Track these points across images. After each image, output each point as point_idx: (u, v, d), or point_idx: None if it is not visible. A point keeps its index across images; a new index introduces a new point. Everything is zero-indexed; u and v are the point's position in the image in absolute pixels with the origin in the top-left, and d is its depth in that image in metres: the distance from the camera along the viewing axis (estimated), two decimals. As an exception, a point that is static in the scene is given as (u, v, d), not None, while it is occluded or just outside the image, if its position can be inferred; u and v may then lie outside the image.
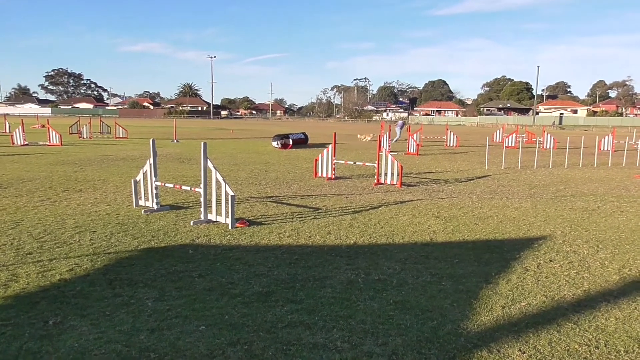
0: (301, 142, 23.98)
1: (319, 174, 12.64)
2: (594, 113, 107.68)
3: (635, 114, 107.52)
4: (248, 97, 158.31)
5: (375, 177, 11.85)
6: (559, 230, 7.44)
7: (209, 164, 7.24)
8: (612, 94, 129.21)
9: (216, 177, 7.18)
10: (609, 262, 5.83)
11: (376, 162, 11.78)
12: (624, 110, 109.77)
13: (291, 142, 22.54)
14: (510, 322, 4.08)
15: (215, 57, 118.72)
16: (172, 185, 8.60)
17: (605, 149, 23.14)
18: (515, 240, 6.84)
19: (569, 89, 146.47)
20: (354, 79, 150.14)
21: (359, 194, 10.36)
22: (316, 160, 12.80)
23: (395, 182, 11.53)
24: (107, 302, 4.30)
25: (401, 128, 27.42)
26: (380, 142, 11.77)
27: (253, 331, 3.78)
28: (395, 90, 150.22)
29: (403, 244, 6.49)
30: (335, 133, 12.83)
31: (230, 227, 6.97)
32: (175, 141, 25.80)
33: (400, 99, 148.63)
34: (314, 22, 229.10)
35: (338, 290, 4.70)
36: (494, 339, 3.75)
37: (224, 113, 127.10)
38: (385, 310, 4.25)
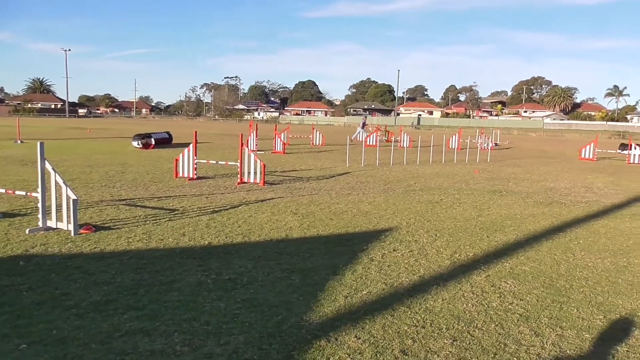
0: (165, 141, 23.01)
1: (180, 175, 12.23)
2: (447, 115, 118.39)
3: (480, 116, 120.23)
4: (110, 95, 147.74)
5: (239, 176, 11.78)
6: (405, 221, 8.02)
7: (47, 166, 6.61)
8: (462, 97, 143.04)
9: (56, 180, 6.59)
10: (444, 249, 6.42)
11: (239, 161, 11.72)
12: (471, 112, 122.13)
13: (153, 142, 21.52)
14: (351, 310, 4.30)
15: (70, 50, 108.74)
16: (3, 190, 7.71)
17: (453, 147, 25.51)
18: (365, 232, 7.23)
19: (426, 92, 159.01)
20: (225, 77, 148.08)
21: (220, 193, 10.21)
22: (177, 160, 12.37)
23: (258, 181, 11.57)
24: None
25: (363, 127, 31.53)
26: (241, 140, 11.71)
27: (84, 344, 3.52)
28: (267, 90, 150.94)
29: (259, 241, 6.52)
30: (196, 132, 12.50)
31: (72, 234, 6.43)
32: (19, 142, 23.20)
33: (272, 99, 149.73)
34: (183, 18, 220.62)
35: (185, 293, 4.57)
36: (334, 328, 3.92)
37: (82, 111, 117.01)
38: (232, 309, 4.23)
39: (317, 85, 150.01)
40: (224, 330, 3.82)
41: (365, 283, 5.01)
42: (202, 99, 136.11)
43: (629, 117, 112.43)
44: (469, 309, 4.43)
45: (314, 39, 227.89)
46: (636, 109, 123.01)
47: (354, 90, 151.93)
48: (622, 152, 25.12)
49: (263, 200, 9.53)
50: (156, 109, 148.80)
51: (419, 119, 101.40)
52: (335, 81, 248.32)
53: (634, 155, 22.20)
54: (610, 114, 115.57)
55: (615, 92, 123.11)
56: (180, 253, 5.86)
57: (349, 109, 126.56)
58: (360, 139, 28.07)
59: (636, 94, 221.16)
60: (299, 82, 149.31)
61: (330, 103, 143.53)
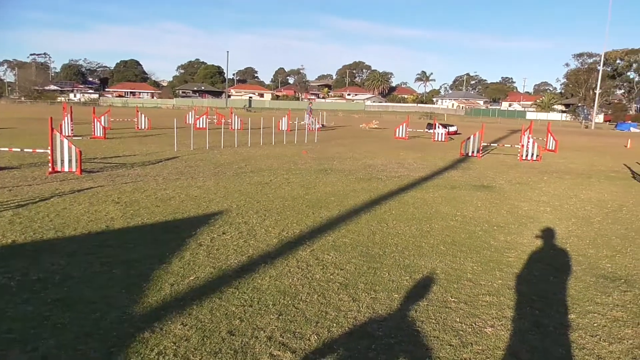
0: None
1: (-25, 165, 10.56)
2: (277, 97, 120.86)
3: (309, 99, 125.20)
4: None
5: (50, 164, 10.58)
6: (235, 204, 8.04)
7: None
8: (291, 80, 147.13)
9: None
10: (272, 228, 6.60)
11: (49, 148, 10.52)
12: (299, 95, 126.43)
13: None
14: (177, 298, 4.20)
15: None
16: None
17: (283, 129, 26.20)
18: (194, 217, 7.08)
19: (256, 75, 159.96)
20: (31, 54, 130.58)
21: (27, 185, 9.06)
22: (-31, 148, 10.64)
23: (74, 169, 10.54)
24: None
25: (310, 112, 30.82)
26: (51, 124, 10.52)
27: None
28: (83, 70, 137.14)
29: (75, 235, 5.96)
30: (-6, 116, 10.88)
31: None
32: None
33: (90, 79, 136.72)
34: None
35: (-19, 300, 3.99)
36: (159, 318, 3.79)
37: None
38: (41, 311, 3.82)
39: (141, 65, 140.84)
40: (31, 335, 3.44)
41: (193, 269, 4.92)
42: (3, 78, 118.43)
43: (435, 99, 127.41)
44: (295, 283, 4.64)
45: (134, 16, 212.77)
46: (440, 92, 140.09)
47: (182, 71, 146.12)
48: (429, 131, 28.40)
49: (80, 190, 8.72)
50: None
51: (250, 101, 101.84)
52: (161, 61, 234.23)
53: (438, 133, 25.26)
54: (420, 96, 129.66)
55: (423, 77, 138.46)
56: (-26, 255, 5.08)
57: (177, 91, 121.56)
58: (312, 125, 28.51)
59: (440, 79, 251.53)
60: (121, 61, 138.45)
61: (156, 84, 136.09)
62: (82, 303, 4.01)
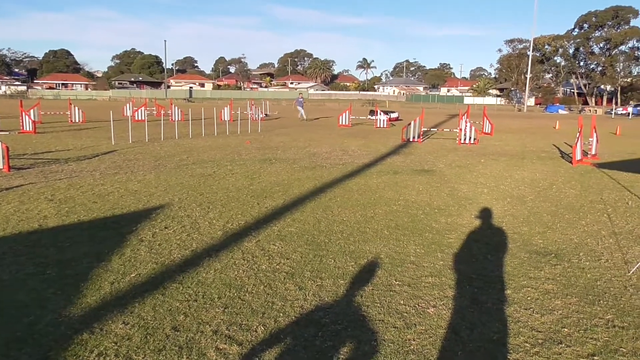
0: None
1: None
2: (219, 87, 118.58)
3: (251, 88, 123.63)
4: None
5: (-26, 162, 9.91)
6: (177, 197, 7.85)
7: None
8: (232, 69, 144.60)
9: None
10: (216, 221, 6.49)
11: (-28, 144, 9.84)
12: (241, 84, 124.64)
13: None
14: (118, 296, 4.06)
15: None
16: None
17: (225, 119, 25.79)
18: (134, 213, 6.85)
19: (196, 64, 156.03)
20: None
21: (-51, 185, 8.46)
22: None
23: (0, 166, 9.92)
24: None
25: (301, 105, 31.56)
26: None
27: None
28: (8, 60, 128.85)
29: (3, 236, 5.63)
30: None
31: None
32: None
33: (16, 70, 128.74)
34: None
35: None
36: (98, 318, 3.65)
37: None
38: (-32, 319, 3.59)
39: (72, 55, 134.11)
40: (-43, 345, 3.23)
41: (134, 265, 4.77)
42: None
43: (376, 86, 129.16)
44: (240, 275, 4.59)
45: (62, 2, 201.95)
46: (381, 79, 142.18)
47: (118, 61, 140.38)
48: (371, 118, 28.77)
49: (8, 188, 8.23)
50: None
51: (190, 91, 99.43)
52: (94, 51, 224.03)
53: (379, 120, 25.64)
54: (362, 84, 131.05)
55: (365, 64, 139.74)
56: None
57: (113, 82, 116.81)
58: (304, 117, 30.95)
59: (381, 66, 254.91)
60: (50, 51, 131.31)
61: (90, 75, 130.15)
62: (14, 307, 3.80)
